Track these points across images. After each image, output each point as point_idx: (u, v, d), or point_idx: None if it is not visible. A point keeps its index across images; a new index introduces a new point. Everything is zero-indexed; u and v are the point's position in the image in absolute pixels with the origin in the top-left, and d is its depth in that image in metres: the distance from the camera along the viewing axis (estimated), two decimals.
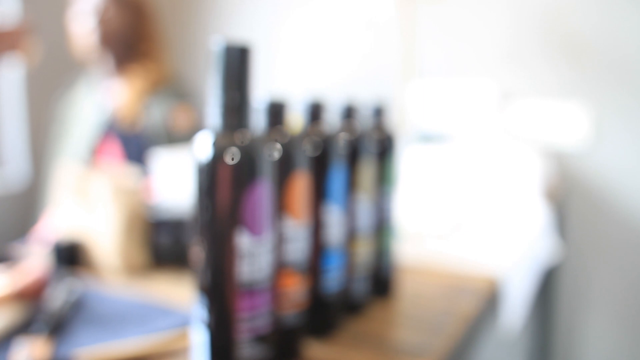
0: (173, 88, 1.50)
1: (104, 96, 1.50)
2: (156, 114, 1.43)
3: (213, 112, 0.39)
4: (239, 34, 1.91)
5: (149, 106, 1.44)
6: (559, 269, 1.50)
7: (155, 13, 1.51)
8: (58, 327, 0.51)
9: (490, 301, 0.66)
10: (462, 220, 0.94)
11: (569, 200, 1.48)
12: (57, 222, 0.76)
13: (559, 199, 1.33)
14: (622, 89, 1.40)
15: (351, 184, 0.53)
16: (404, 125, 1.38)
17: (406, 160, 1.10)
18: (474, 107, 1.46)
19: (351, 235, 0.54)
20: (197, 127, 1.49)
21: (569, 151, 1.47)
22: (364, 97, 0.63)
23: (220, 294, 0.38)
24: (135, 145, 1.44)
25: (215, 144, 0.37)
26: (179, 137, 1.44)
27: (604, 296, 1.49)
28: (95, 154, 1.46)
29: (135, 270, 0.69)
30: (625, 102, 1.40)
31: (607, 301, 1.49)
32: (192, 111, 1.50)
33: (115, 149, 1.46)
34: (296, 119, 0.51)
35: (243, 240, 0.38)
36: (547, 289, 1.49)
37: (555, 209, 1.23)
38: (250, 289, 0.38)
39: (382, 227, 0.58)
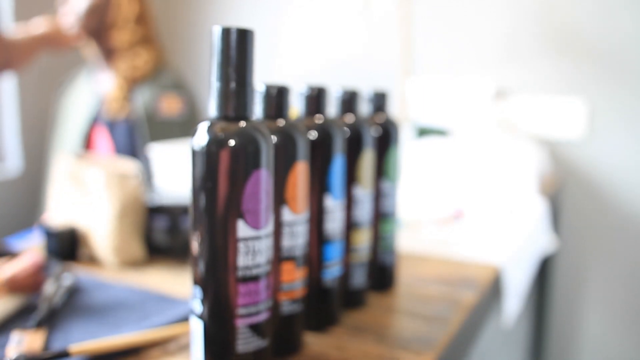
0: (163, 78, 1.49)
1: (97, 85, 1.50)
2: (143, 103, 1.43)
3: (212, 98, 0.38)
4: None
5: (137, 94, 1.43)
6: (555, 259, 1.51)
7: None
8: (53, 318, 0.50)
9: (489, 291, 0.66)
10: (459, 212, 0.94)
11: (565, 192, 1.49)
12: (52, 212, 0.75)
13: (554, 191, 1.33)
14: (617, 82, 1.40)
15: (351, 174, 0.52)
16: (403, 119, 1.37)
17: (405, 153, 1.09)
18: (471, 101, 1.46)
19: (351, 225, 0.53)
20: (184, 117, 1.48)
21: (564, 144, 1.47)
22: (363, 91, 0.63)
23: (217, 284, 0.37)
24: (122, 133, 1.44)
25: (213, 132, 0.37)
26: (165, 127, 1.43)
27: (599, 285, 1.50)
28: (87, 142, 1.46)
29: (131, 259, 0.68)
30: (619, 95, 1.41)
31: (602, 290, 1.49)
32: (180, 101, 1.49)
33: (104, 137, 1.46)
34: (294, 110, 0.50)
35: (241, 231, 0.37)
36: (543, 278, 1.50)
37: (551, 200, 1.23)
38: (249, 280, 0.38)
39: (382, 218, 0.58)
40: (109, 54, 1.46)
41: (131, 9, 1.44)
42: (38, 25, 1.20)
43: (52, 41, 1.22)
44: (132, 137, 1.43)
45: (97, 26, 1.40)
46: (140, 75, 1.44)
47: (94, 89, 1.49)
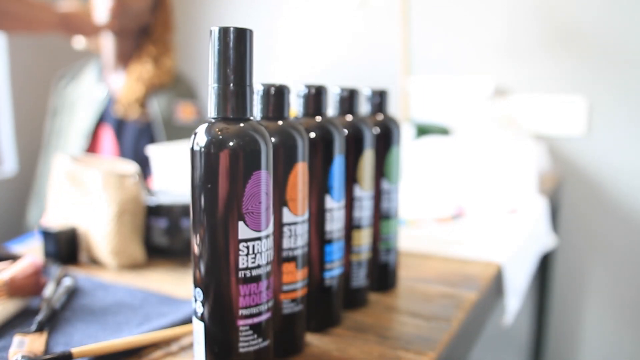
0: (180, 86, 1.50)
1: (108, 84, 1.50)
2: (160, 108, 1.43)
3: (211, 99, 0.38)
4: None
5: (153, 100, 1.44)
6: (554, 257, 1.51)
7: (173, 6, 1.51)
8: (54, 321, 0.50)
9: (490, 289, 0.66)
10: (460, 211, 0.94)
11: (565, 189, 1.48)
12: (51, 213, 0.75)
13: (554, 189, 1.33)
14: (617, 80, 1.40)
15: (352, 174, 0.52)
16: (403, 118, 1.37)
17: (405, 153, 1.09)
18: (471, 100, 1.46)
19: (352, 226, 0.53)
20: (199, 124, 1.49)
21: (564, 142, 1.47)
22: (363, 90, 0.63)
23: (218, 286, 0.37)
24: (130, 135, 1.44)
25: (212, 133, 0.36)
26: (181, 132, 1.44)
27: (599, 282, 1.49)
28: (91, 140, 1.46)
29: (130, 260, 0.68)
30: (620, 93, 1.40)
31: (602, 287, 1.49)
32: (195, 109, 1.50)
33: (109, 136, 1.46)
34: (294, 110, 0.50)
35: (242, 232, 0.37)
36: (543, 276, 1.50)
37: (551, 198, 1.23)
38: (250, 281, 0.38)
39: (383, 218, 0.58)
40: (128, 55, 1.46)
41: (169, 18, 1.47)
42: (64, 5, 1.17)
43: (70, 25, 1.17)
44: (141, 139, 1.43)
45: (133, 28, 1.41)
46: (160, 82, 1.45)
47: (104, 87, 1.49)
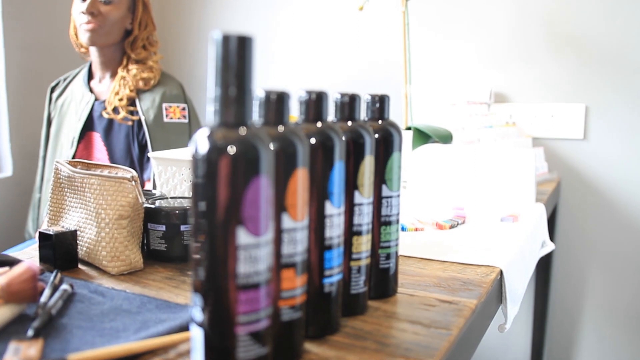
0: (166, 87, 1.50)
1: (95, 90, 1.50)
2: (146, 111, 1.43)
3: (212, 105, 0.38)
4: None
5: (140, 100, 1.44)
6: (553, 262, 1.51)
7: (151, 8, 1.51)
8: (51, 327, 0.50)
9: (489, 295, 0.65)
10: (460, 217, 0.94)
11: (563, 195, 1.49)
12: (49, 218, 0.75)
13: (552, 194, 1.33)
14: (616, 87, 1.41)
15: (352, 180, 0.52)
16: (404, 124, 1.37)
17: (406, 159, 1.09)
18: (472, 106, 1.46)
19: (352, 232, 0.53)
20: (186, 126, 1.49)
21: (563, 147, 1.47)
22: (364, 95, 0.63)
23: (217, 292, 0.37)
24: (120, 139, 1.44)
25: (213, 139, 0.36)
26: (168, 134, 1.43)
27: (597, 287, 1.49)
28: (82, 147, 1.46)
29: (129, 265, 0.67)
30: (616, 98, 1.41)
31: (600, 291, 1.49)
32: (183, 112, 1.50)
33: (100, 141, 1.46)
34: (294, 116, 0.50)
35: (241, 238, 0.37)
36: (541, 281, 1.49)
37: (549, 203, 1.24)
38: (249, 287, 0.37)
39: (383, 224, 0.58)
40: (113, 61, 1.47)
41: (148, 17, 1.48)
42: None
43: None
44: (130, 142, 1.43)
45: (116, 36, 1.42)
46: (146, 83, 1.45)
47: (92, 93, 1.49)
